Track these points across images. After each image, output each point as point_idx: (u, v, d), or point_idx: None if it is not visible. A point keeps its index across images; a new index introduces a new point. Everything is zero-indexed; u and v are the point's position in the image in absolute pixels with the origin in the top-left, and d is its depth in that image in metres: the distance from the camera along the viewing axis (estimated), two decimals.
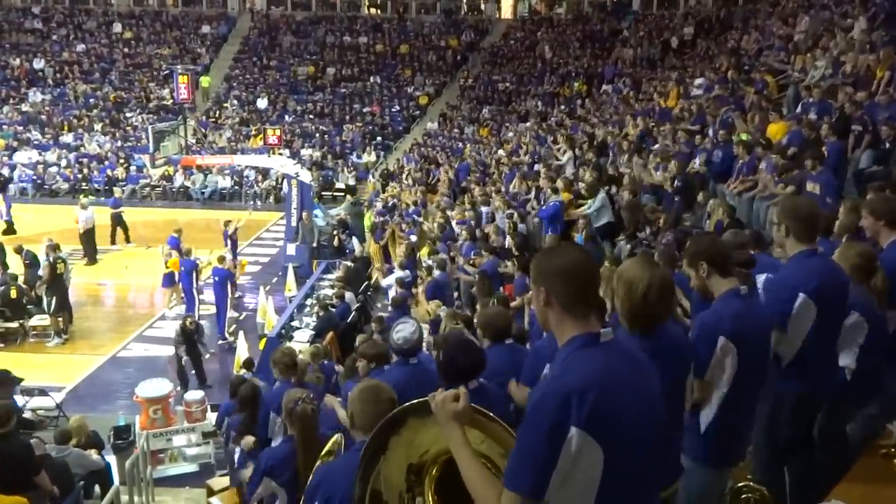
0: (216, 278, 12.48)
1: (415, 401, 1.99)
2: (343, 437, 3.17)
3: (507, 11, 32.36)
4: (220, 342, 12.07)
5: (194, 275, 12.55)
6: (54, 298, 11.80)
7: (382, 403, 2.71)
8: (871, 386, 3.48)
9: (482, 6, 32.60)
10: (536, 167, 13.82)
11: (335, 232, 16.74)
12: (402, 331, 4.14)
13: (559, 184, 10.90)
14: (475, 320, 4.62)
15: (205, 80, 27.56)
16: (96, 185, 23.20)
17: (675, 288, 2.71)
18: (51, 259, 11.96)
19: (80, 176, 23.49)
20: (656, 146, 11.67)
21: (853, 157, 8.30)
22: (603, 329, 1.89)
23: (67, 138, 25.72)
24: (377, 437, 1.98)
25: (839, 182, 7.64)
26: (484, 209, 12.65)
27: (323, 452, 3.10)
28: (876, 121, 8.33)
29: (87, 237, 16.09)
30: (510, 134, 19.49)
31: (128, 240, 17.54)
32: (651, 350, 2.45)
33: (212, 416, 8.33)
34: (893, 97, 8.87)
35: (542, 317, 1.95)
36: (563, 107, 22.09)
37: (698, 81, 14.48)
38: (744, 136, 9.74)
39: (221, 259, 12.70)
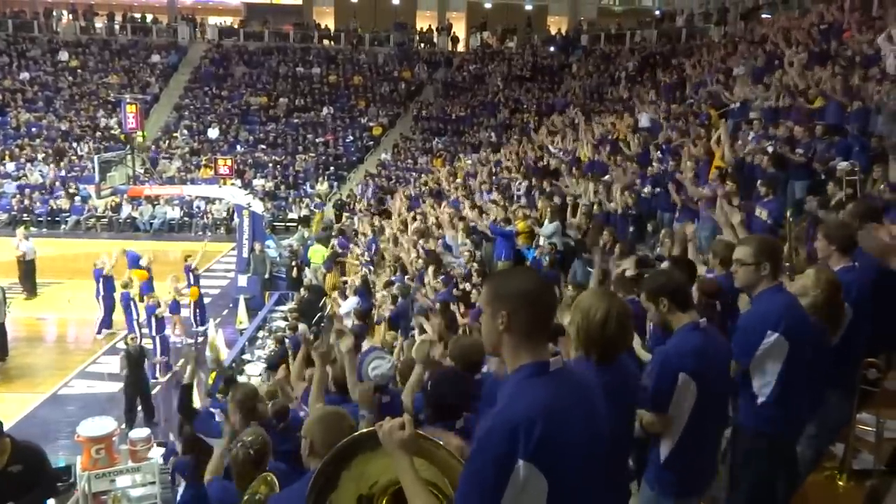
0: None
1: (362, 431, 1.97)
2: (273, 473, 3.10)
3: (462, 45, 32.93)
4: (166, 376, 11.71)
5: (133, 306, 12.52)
6: None
7: (344, 431, 2.64)
8: (814, 413, 3.53)
9: (435, 39, 33.05)
10: (489, 196, 13.93)
11: (294, 263, 16.52)
12: (379, 367, 3.94)
13: (512, 213, 10.98)
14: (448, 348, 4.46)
15: (140, 136, 26.47)
16: (38, 217, 22.52)
17: (632, 317, 2.65)
18: None
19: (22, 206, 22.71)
20: (606, 176, 11.90)
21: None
22: (553, 357, 1.85)
23: (9, 168, 24.91)
24: (327, 469, 1.95)
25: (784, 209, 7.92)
26: (447, 235, 12.58)
27: (249, 491, 3.02)
28: (816, 153, 8.70)
29: (27, 269, 15.49)
30: (468, 161, 19.64)
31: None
32: (609, 382, 2.43)
33: (158, 454, 8.03)
34: (828, 129, 9.28)
35: (496, 341, 1.86)
36: (515, 137, 22.41)
37: (644, 113, 14.91)
38: (690, 165, 9.99)
39: (150, 296, 12.58)
